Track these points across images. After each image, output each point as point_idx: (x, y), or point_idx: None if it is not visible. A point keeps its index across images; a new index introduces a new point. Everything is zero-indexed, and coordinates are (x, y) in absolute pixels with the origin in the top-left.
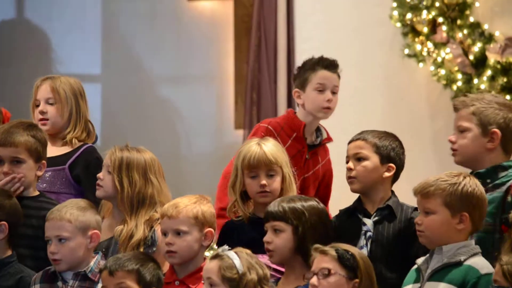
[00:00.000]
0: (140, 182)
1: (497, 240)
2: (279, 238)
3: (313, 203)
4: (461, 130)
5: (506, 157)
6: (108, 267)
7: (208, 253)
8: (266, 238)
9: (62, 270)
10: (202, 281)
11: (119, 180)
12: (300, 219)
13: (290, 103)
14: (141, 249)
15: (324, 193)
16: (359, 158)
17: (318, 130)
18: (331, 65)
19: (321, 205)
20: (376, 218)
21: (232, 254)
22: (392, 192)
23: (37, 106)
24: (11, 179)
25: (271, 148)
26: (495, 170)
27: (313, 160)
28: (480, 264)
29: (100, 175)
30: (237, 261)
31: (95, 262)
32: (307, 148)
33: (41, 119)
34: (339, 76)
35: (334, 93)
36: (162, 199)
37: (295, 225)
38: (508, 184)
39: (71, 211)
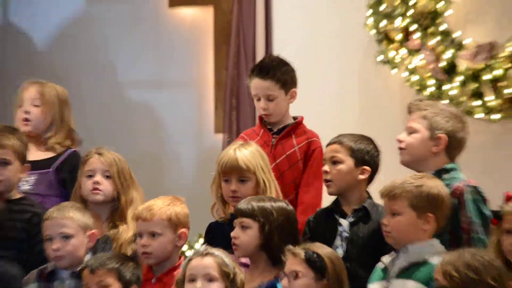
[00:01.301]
0: (131, 184)
1: (447, 240)
2: (246, 234)
3: (282, 204)
4: (411, 132)
5: (449, 162)
6: (89, 266)
7: (190, 252)
8: (233, 234)
9: (63, 267)
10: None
11: (120, 183)
12: (268, 218)
13: None
14: (133, 244)
15: (309, 175)
16: (334, 162)
17: (295, 119)
18: (261, 71)
19: (290, 207)
20: (352, 219)
21: (220, 252)
22: (368, 193)
23: (20, 106)
24: None
25: (245, 154)
26: (439, 173)
27: (283, 146)
28: None
29: (97, 179)
30: (227, 259)
31: None
32: (272, 137)
33: (24, 119)
34: (277, 80)
35: (271, 100)
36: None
37: (262, 223)
38: (452, 188)
39: (72, 211)
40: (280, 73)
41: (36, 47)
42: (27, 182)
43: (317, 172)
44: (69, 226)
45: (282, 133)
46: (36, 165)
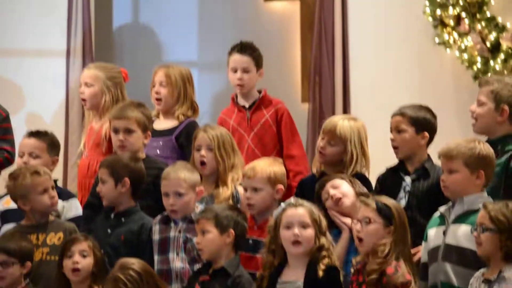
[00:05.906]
0: (231, 153)
1: (501, 194)
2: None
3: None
4: (480, 104)
5: None
6: (196, 217)
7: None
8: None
9: (178, 218)
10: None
11: (220, 154)
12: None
13: (345, 83)
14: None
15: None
16: (399, 131)
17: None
18: (241, 48)
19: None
20: (414, 176)
21: (307, 203)
22: (428, 155)
23: (154, 86)
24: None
25: (345, 123)
26: (504, 138)
27: (256, 116)
28: None
29: (203, 153)
30: (313, 208)
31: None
32: (246, 111)
33: (156, 98)
34: (253, 58)
35: (246, 72)
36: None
37: None
38: (511, 152)
39: (184, 172)
40: (255, 53)
41: (162, 40)
42: (156, 147)
43: (292, 129)
44: (182, 185)
45: (253, 107)
46: (163, 133)
